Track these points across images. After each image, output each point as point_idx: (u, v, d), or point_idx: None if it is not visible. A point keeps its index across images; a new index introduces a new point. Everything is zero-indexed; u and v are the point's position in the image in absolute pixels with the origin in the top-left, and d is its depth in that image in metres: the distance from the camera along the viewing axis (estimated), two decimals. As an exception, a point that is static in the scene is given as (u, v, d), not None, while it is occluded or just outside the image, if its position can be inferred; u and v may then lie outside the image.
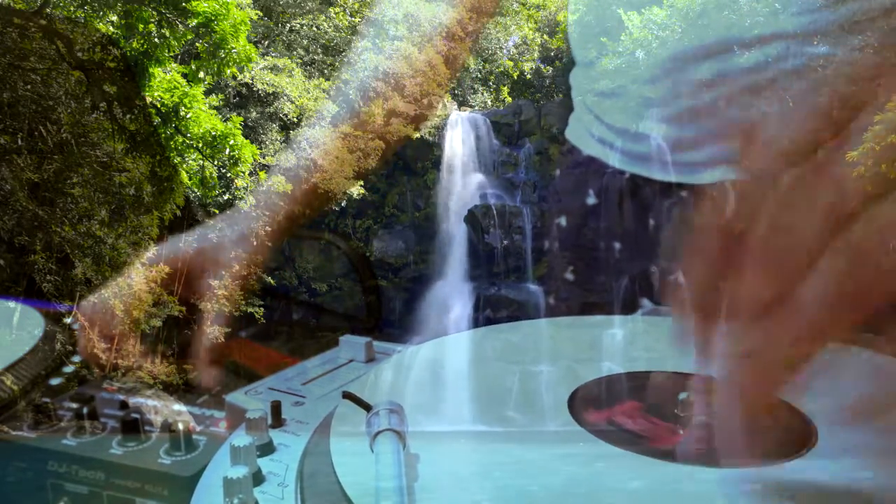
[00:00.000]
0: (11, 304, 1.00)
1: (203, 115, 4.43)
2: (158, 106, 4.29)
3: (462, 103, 10.55)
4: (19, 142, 3.53)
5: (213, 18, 4.24)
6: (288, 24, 7.95)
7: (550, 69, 10.99)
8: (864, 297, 0.46)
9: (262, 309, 6.71)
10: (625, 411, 0.60)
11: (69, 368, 0.84)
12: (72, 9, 4.04)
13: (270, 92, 6.96)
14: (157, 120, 4.30)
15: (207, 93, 5.14)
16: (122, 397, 0.76)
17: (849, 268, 0.46)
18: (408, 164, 9.37)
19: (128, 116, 4.14)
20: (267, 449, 0.56)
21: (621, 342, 0.86)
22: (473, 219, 8.91)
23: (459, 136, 9.29)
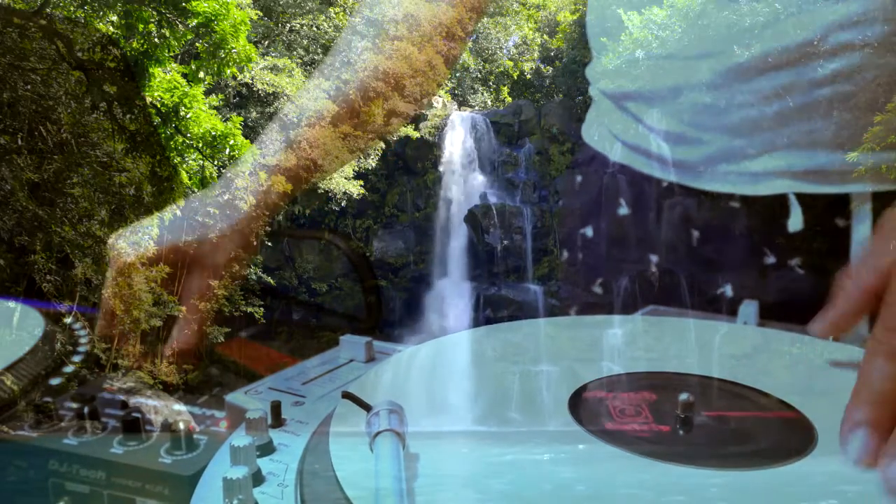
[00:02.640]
0: (11, 304, 1.00)
1: (203, 115, 4.43)
2: (158, 106, 4.29)
3: (462, 103, 10.55)
4: (19, 142, 3.53)
5: (213, 18, 4.24)
6: (288, 24, 7.95)
7: (550, 69, 10.99)
8: None
9: (262, 309, 6.71)
10: (624, 406, 0.60)
11: (69, 368, 0.84)
12: (72, 9, 4.04)
13: (270, 92, 6.97)
14: (157, 120, 4.30)
15: (207, 93, 5.14)
16: (122, 397, 0.76)
17: None
18: (408, 164, 9.37)
19: (128, 116, 4.15)
20: (267, 449, 0.56)
21: (621, 342, 0.86)
22: (473, 219, 8.91)
23: (459, 136, 9.29)
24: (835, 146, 1.15)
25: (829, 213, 1.25)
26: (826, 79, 1.14)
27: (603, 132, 1.53)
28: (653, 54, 1.37)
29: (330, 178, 7.70)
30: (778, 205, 1.26)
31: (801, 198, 1.24)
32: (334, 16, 8.02)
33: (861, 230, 1.18)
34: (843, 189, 1.19)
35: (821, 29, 1.13)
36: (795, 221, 1.24)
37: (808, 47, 1.15)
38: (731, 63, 1.25)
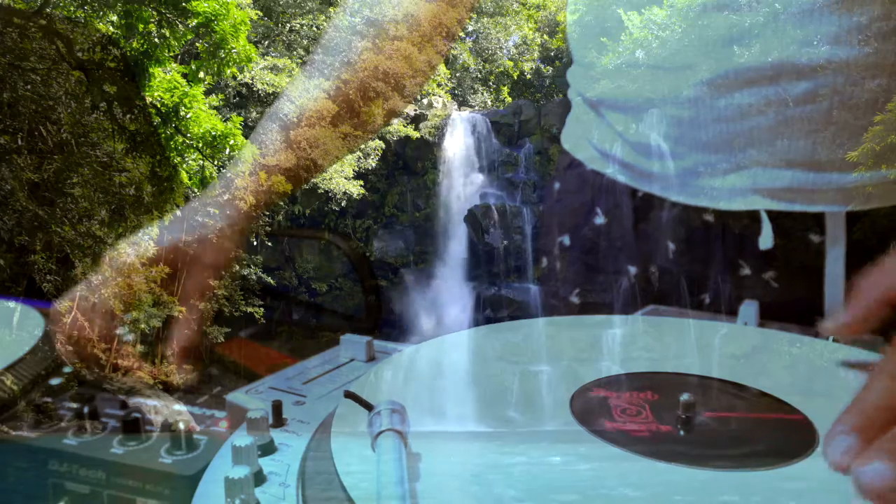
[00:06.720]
0: (11, 304, 0.99)
1: (203, 115, 4.43)
2: (158, 106, 4.29)
3: (462, 103, 10.56)
4: (19, 142, 3.53)
5: (213, 18, 4.24)
6: (288, 24, 7.95)
7: (550, 69, 11.00)
8: None
9: (262, 309, 6.71)
10: (625, 406, 0.60)
11: (69, 368, 0.84)
12: (72, 9, 4.04)
13: (270, 92, 6.97)
14: (157, 120, 4.30)
15: (207, 93, 5.14)
16: (122, 397, 0.76)
17: None
18: (408, 164, 9.37)
19: (128, 116, 4.15)
20: (268, 449, 0.56)
21: (621, 342, 0.86)
22: (473, 219, 8.91)
23: (459, 136, 9.29)
24: (809, 165, 1.15)
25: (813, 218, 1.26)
26: (804, 97, 1.14)
27: (580, 137, 1.53)
28: (635, 64, 1.37)
29: (330, 178, 7.71)
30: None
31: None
32: (334, 16, 8.02)
33: (835, 245, 1.19)
34: (817, 208, 1.20)
35: (802, 46, 1.13)
36: (766, 239, 1.24)
37: (788, 65, 1.15)
38: (710, 76, 1.25)
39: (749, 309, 1.13)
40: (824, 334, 0.54)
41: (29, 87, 3.55)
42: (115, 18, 4.14)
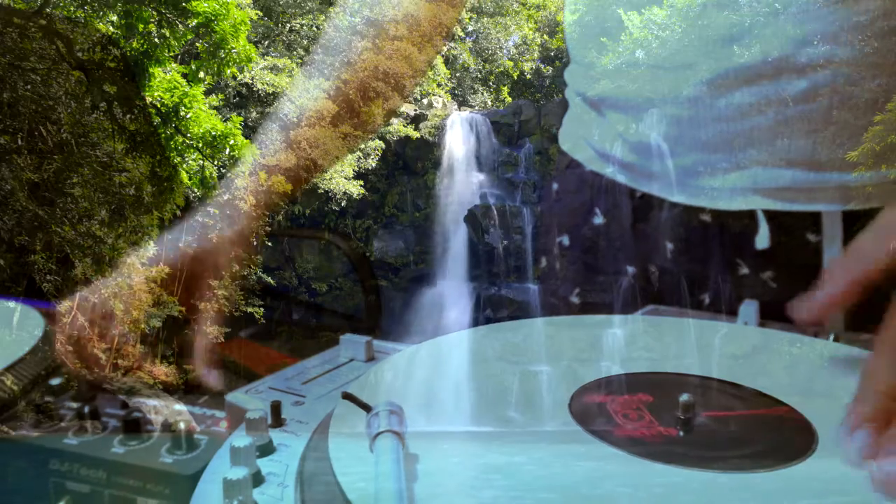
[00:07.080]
0: (11, 304, 0.99)
1: (203, 115, 4.43)
2: (158, 106, 4.29)
3: (462, 103, 10.56)
4: (19, 142, 3.53)
5: (213, 18, 4.24)
6: (288, 24, 7.95)
7: (550, 69, 11.00)
8: None
9: (262, 309, 6.71)
10: (625, 407, 0.60)
11: (69, 368, 0.84)
12: (72, 9, 4.04)
13: (270, 92, 6.96)
14: (157, 120, 4.30)
15: (207, 93, 5.13)
16: (122, 397, 0.76)
17: None
18: (408, 164, 9.37)
19: (128, 116, 4.15)
20: (267, 449, 0.56)
21: (621, 342, 0.86)
22: (473, 219, 8.91)
23: (459, 136, 9.28)
24: (809, 165, 1.15)
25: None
26: (804, 96, 1.14)
27: (578, 137, 1.53)
28: (635, 63, 1.36)
29: (330, 178, 7.71)
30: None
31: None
32: (334, 16, 8.02)
33: (832, 241, 1.19)
34: (817, 208, 1.19)
35: (801, 45, 1.13)
36: (763, 238, 1.24)
37: (788, 63, 1.15)
38: (710, 76, 1.25)
39: (749, 308, 1.13)
40: (794, 316, 0.55)
41: (29, 87, 3.55)
42: (115, 18, 4.15)
